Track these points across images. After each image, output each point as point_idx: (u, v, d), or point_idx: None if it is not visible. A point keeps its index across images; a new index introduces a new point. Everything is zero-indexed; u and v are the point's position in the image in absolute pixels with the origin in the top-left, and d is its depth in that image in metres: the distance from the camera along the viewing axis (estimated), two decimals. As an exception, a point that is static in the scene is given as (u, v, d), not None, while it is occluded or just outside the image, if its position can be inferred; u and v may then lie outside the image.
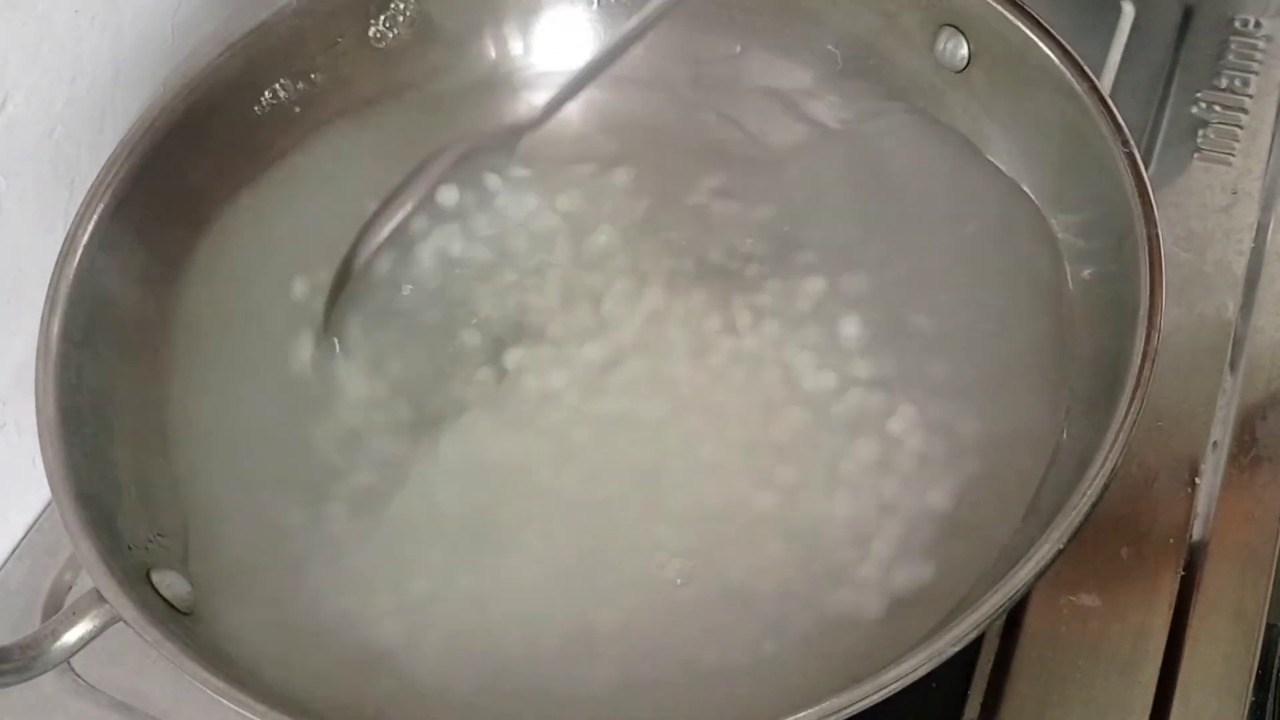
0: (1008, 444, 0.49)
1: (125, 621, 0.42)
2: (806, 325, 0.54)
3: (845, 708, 0.38)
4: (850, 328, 0.53)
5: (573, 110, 0.59)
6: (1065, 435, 0.48)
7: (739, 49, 0.60)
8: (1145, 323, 0.43)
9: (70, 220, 0.50)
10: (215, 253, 0.55)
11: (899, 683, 0.38)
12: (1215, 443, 0.55)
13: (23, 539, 0.58)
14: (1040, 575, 0.39)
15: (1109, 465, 0.41)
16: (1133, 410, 0.42)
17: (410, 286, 0.57)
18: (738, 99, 0.59)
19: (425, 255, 0.57)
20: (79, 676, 0.54)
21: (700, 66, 0.60)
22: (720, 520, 0.49)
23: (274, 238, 0.57)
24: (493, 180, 0.58)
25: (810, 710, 0.38)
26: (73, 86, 0.55)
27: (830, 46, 0.58)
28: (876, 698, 0.38)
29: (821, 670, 0.44)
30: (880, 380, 0.52)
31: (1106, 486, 0.41)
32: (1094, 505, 0.40)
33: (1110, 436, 0.41)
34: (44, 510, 0.59)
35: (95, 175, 0.51)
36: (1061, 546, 0.40)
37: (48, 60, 0.53)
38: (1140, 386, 0.42)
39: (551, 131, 0.58)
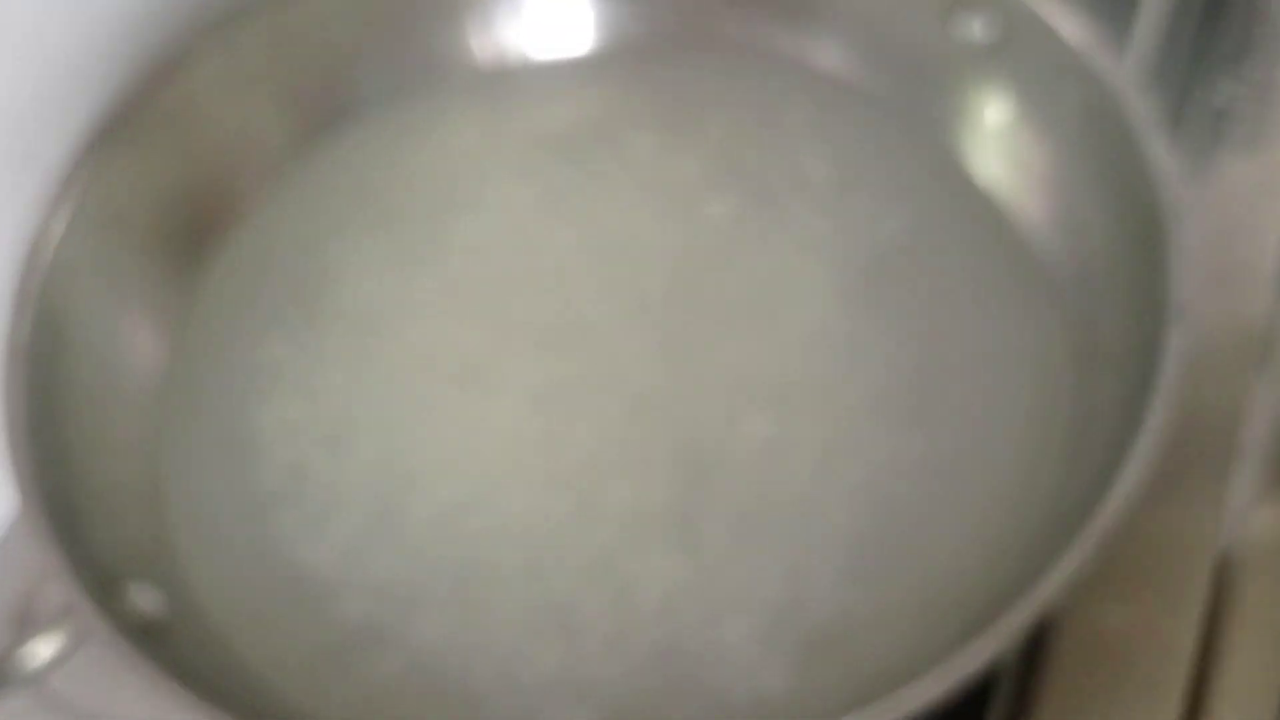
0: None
1: (98, 637, 0.42)
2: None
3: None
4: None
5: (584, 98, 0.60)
6: (1086, 439, 0.47)
7: (746, 30, 0.59)
8: (1174, 321, 0.42)
9: (39, 217, 0.50)
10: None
11: (913, 702, 0.37)
12: (1246, 448, 0.53)
13: (-5, 549, 0.57)
14: (1065, 591, 0.38)
15: (1141, 475, 0.40)
16: (1164, 417, 0.41)
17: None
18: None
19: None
20: (52, 691, 0.51)
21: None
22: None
23: (267, 228, 0.57)
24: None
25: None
26: (40, 73, 0.54)
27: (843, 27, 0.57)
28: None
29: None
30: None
31: (1138, 497, 0.40)
32: (1125, 516, 0.39)
33: (1140, 442, 0.40)
34: (13, 521, 0.57)
35: (65, 169, 0.50)
36: (1089, 561, 0.39)
37: (14, 51, 0.52)
38: (1172, 391, 0.41)
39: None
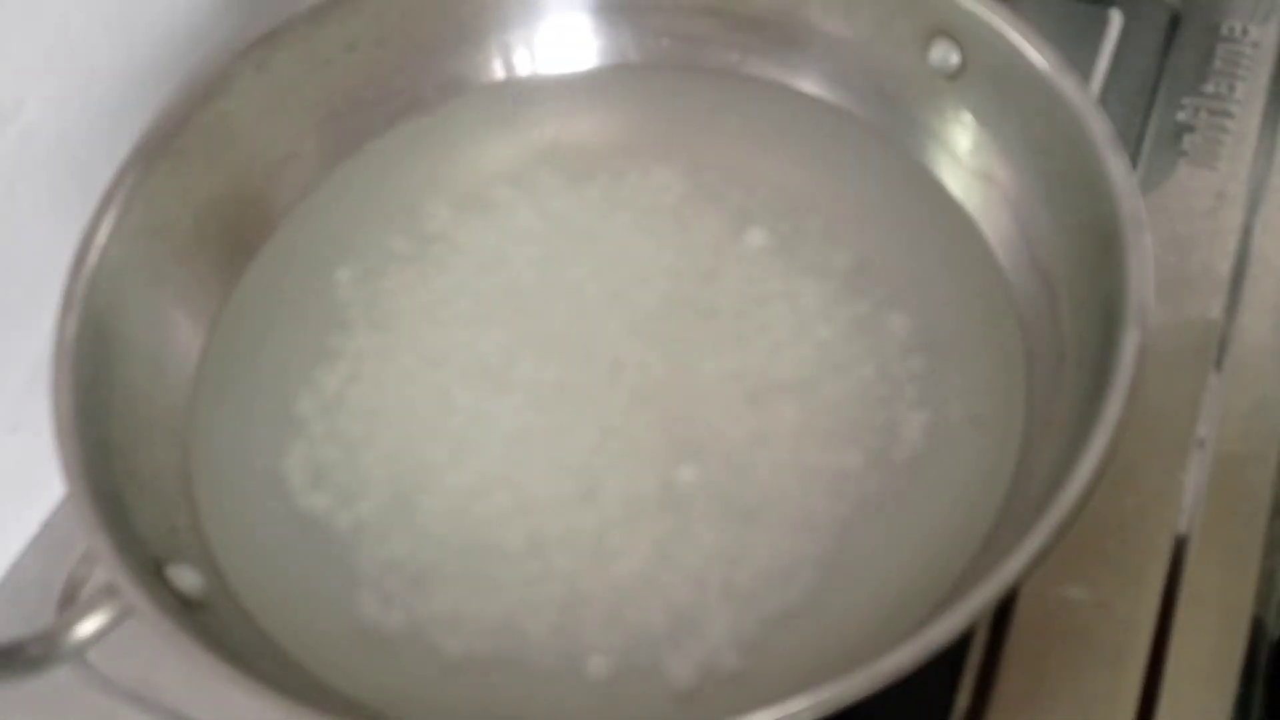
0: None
1: (139, 615, 0.43)
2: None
3: (835, 700, 0.39)
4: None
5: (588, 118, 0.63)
6: (1049, 434, 0.49)
7: (737, 58, 0.62)
8: (1134, 322, 0.44)
9: (85, 224, 0.51)
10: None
11: (888, 676, 0.39)
12: (1202, 440, 0.55)
13: (37, 535, 0.59)
14: (1031, 569, 0.40)
15: (1100, 462, 0.42)
16: (1122, 408, 0.43)
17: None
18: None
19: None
20: (92, 668, 0.55)
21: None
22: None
23: (296, 236, 0.59)
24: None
25: (797, 699, 0.39)
26: (87, 92, 0.56)
27: (828, 55, 0.60)
28: (867, 689, 0.39)
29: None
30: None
31: (1097, 482, 0.42)
32: (1086, 499, 0.41)
33: (1101, 434, 0.42)
34: (58, 507, 0.60)
35: (109, 179, 0.52)
36: (1052, 542, 0.40)
37: (62, 67, 0.54)
38: (1130, 385, 0.43)
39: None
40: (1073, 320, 0.50)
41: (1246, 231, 0.61)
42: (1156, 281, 0.45)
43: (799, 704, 0.38)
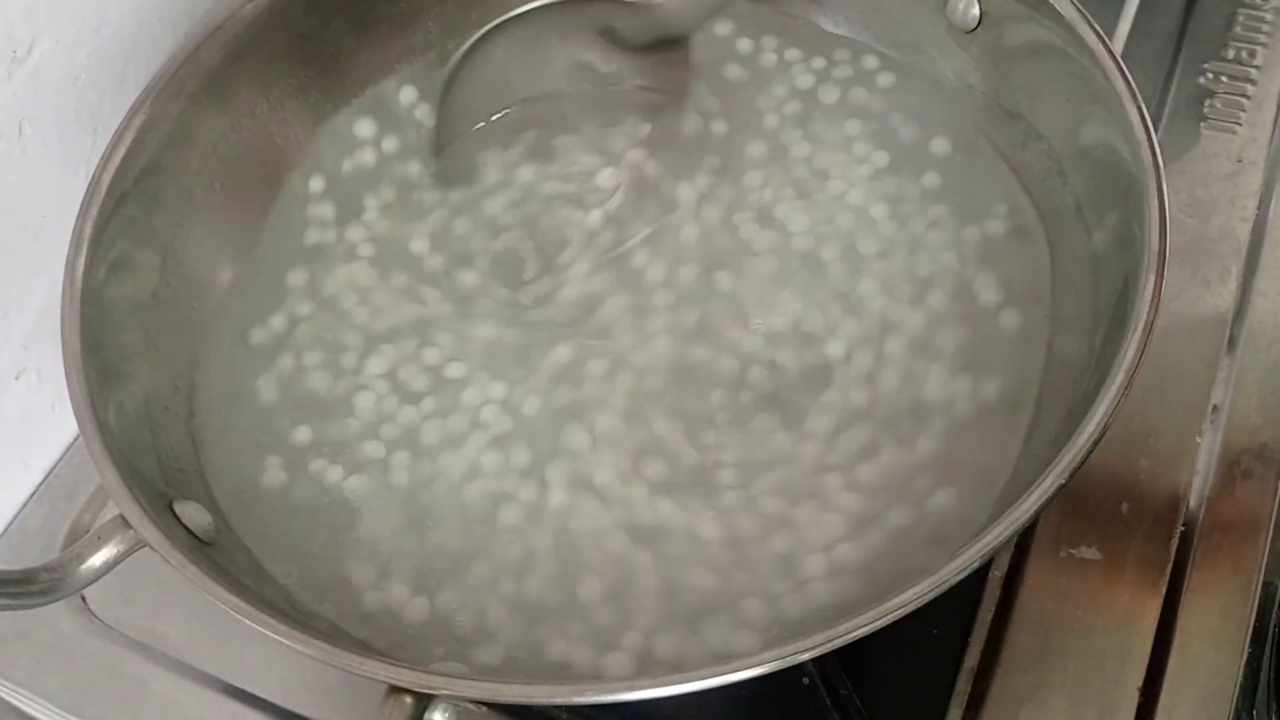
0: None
1: (149, 545, 0.43)
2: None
3: (847, 633, 0.38)
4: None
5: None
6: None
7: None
8: (1151, 267, 0.44)
9: (92, 167, 0.51)
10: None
11: (901, 610, 0.39)
12: (1215, 405, 0.55)
13: (41, 483, 0.59)
14: (1043, 507, 0.40)
15: (1114, 400, 0.41)
16: (1139, 345, 0.42)
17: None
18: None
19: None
20: (95, 616, 0.55)
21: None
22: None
23: (302, 175, 0.59)
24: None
25: (815, 637, 0.38)
26: (97, 35, 0.55)
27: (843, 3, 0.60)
28: (881, 623, 0.38)
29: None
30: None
31: (1109, 424, 0.41)
32: (1096, 442, 0.41)
33: (1116, 372, 0.42)
34: (62, 455, 0.60)
35: (117, 123, 0.52)
36: (1064, 481, 0.40)
37: (73, 8, 0.54)
38: (1146, 325, 0.43)
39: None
40: (1094, 268, 0.50)
41: (1265, 196, 0.61)
42: (1175, 245, 0.45)
43: (811, 641, 0.38)
